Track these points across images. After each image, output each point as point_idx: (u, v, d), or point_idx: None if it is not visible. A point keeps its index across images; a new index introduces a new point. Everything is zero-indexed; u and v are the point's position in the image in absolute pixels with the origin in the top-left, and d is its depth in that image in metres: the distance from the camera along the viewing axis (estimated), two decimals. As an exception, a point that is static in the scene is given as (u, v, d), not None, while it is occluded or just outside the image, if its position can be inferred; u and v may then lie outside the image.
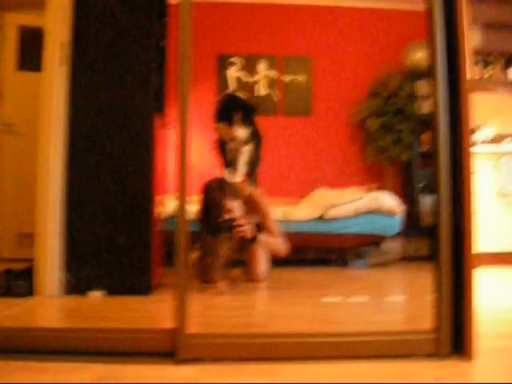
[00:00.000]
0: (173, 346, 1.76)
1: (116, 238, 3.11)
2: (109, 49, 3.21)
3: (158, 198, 3.31)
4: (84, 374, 1.61)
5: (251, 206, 3.62)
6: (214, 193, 3.41)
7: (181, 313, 1.78)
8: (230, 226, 3.34)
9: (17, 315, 2.55)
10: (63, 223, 3.11)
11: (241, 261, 3.92)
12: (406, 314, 2.77)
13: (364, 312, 2.71)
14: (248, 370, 1.68)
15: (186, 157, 1.85)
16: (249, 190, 3.80)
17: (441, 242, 1.83)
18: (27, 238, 4.49)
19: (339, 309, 2.87)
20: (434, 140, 1.85)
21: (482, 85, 5.15)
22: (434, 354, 1.76)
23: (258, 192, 3.83)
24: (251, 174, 4.13)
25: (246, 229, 3.41)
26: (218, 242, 3.50)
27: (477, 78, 5.31)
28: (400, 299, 3.26)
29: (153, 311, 2.78)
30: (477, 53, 5.16)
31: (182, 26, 1.89)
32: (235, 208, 3.44)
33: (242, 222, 3.40)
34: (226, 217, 3.36)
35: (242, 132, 3.77)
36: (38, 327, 2.01)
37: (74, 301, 2.96)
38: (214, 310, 2.85)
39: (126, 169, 3.16)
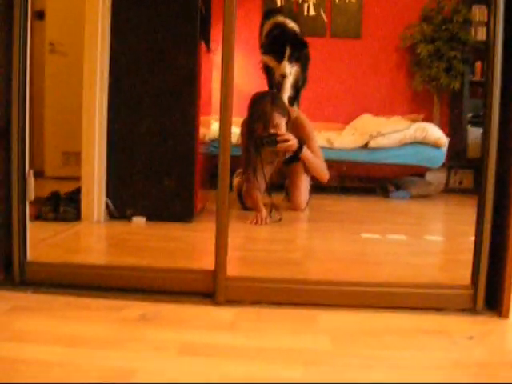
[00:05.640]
0: (213, 287, 1.80)
1: (159, 163, 3.13)
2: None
3: (203, 119, 3.28)
4: (126, 312, 1.67)
5: (296, 129, 3.56)
6: (265, 104, 3.35)
7: (221, 256, 1.81)
8: (274, 140, 3.31)
9: (62, 242, 2.63)
10: (107, 146, 3.14)
11: (282, 186, 3.94)
12: (444, 257, 2.77)
13: (402, 252, 2.71)
14: (285, 314, 1.72)
15: (230, 76, 1.80)
16: (296, 112, 3.74)
17: (486, 182, 1.75)
18: (73, 157, 4.60)
19: (378, 246, 2.89)
20: (488, 69, 1.76)
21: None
22: (469, 309, 1.77)
23: (304, 116, 3.77)
24: (295, 97, 4.05)
25: (292, 143, 3.39)
26: (261, 159, 3.43)
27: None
28: (439, 239, 3.25)
29: (196, 241, 2.85)
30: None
31: None
32: (282, 124, 3.39)
33: (287, 136, 3.37)
34: (272, 131, 3.33)
35: (290, 68, 3.66)
36: (81, 264, 2.06)
37: (119, 227, 3.03)
38: (253, 243, 2.90)
39: (170, 92, 3.14)
